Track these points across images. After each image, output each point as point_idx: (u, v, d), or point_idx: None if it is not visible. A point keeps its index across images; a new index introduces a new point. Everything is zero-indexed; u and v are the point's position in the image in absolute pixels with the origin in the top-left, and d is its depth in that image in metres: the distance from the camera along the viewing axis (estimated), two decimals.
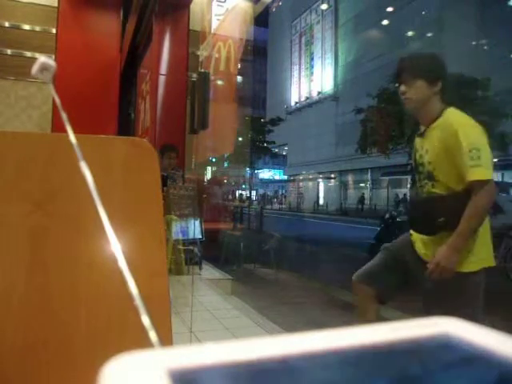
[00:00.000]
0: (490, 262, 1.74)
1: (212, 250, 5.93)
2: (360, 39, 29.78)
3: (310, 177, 35.95)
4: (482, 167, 1.63)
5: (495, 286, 6.02)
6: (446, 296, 1.74)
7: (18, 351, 0.73)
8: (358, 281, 1.97)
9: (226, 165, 27.08)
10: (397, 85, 1.87)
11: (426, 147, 1.81)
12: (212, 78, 6.29)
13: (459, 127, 1.69)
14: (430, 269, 1.70)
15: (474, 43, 20.26)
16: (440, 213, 1.73)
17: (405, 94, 1.80)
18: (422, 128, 1.85)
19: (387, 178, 26.76)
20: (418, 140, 1.89)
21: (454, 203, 1.71)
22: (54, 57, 5.38)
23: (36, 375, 0.74)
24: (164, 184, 4.29)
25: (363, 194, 27.65)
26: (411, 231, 1.93)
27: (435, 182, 1.78)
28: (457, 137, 1.66)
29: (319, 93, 35.82)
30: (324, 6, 35.59)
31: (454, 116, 1.76)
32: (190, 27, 5.85)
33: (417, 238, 1.90)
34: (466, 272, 1.69)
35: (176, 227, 4.73)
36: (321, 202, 33.42)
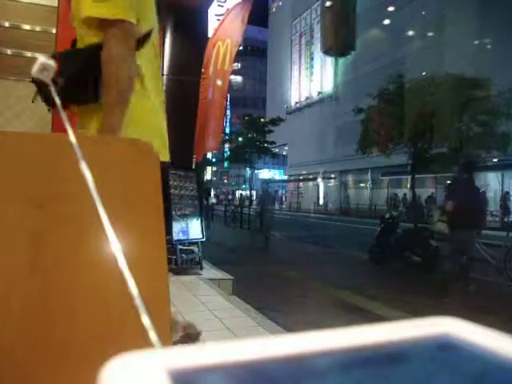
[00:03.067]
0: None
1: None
2: (360, 39, 29.73)
3: (310, 177, 35.93)
4: (109, 2, 1.24)
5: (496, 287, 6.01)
6: None
7: (17, 351, 0.73)
8: None
9: (226, 164, 27.06)
10: None
11: None
12: (212, 77, 6.31)
13: None
14: None
15: (476, 42, 20.24)
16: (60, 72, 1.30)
17: None
18: None
19: (387, 177, 26.69)
20: None
21: (71, 58, 1.32)
22: None
23: (36, 375, 0.74)
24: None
25: (396, 194, 23.81)
26: None
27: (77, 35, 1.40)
28: None
29: (319, 93, 35.77)
30: None
31: None
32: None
33: None
34: None
35: (176, 227, 4.74)
36: (320, 201, 33.41)
